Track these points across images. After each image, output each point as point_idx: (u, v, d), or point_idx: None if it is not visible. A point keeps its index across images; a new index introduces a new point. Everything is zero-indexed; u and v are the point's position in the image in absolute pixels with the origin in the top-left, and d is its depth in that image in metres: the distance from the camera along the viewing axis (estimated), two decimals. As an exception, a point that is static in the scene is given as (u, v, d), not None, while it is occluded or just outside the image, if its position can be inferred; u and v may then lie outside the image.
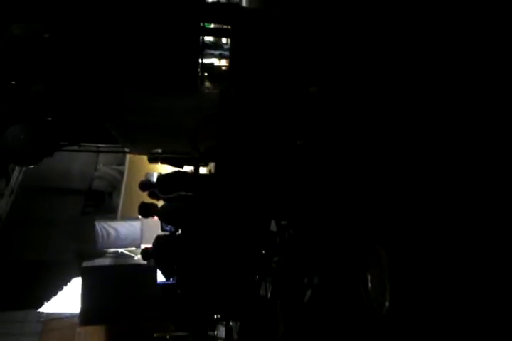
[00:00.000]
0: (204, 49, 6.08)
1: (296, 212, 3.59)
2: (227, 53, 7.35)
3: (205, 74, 5.59)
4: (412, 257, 2.24)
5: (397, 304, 2.26)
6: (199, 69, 5.35)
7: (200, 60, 5.21)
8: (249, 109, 3.13)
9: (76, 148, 5.82)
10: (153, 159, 7.21)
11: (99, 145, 6.19)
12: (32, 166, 5.00)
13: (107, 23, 4.21)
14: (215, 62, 7.38)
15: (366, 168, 2.68)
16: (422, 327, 2.24)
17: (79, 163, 9.62)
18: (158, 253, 5.85)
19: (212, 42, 7.97)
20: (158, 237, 5.90)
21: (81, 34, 4.13)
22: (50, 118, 3.94)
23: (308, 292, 3.51)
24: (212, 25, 5.50)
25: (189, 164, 6.36)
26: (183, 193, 6.16)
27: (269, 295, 4.32)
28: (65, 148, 5.62)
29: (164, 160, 6.95)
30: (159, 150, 5.98)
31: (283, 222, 3.94)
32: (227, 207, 4.18)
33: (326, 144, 2.99)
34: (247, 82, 3.78)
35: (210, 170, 6.22)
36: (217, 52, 7.45)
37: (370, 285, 2.47)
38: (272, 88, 3.43)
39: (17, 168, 9.08)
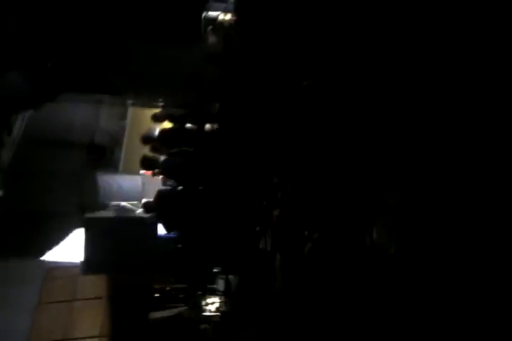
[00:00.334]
0: (209, 1, 5.90)
1: (299, 162, 3.57)
2: (231, 7, 7.14)
3: (210, 27, 5.45)
4: (420, 205, 2.23)
5: (403, 251, 2.27)
6: (203, 21, 5.20)
7: (204, 11, 5.07)
8: (254, 47, 3.04)
9: (78, 98, 5.75)
10: (157, 118, 7.13)
11: (102, 96, 6.11)
12: (33, 113, 4.93)
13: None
14: (220, 15, 7.19)
15: (375, 112, 2.64)
16: (428, 272, 2.26)
17: (81, 116, 9.53)
18: (160, 207, 5.90)
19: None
20: (159, 191, 5.94)
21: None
22: (49, 64, 3.85)
23: (308, 245, 3.54)
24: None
25: (192, 120, 6.29)
26: (186, 148, 6.15)
27: (268, 248, 4.38)
28: (67, 98, 5.56)
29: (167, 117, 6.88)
30: (161, 102, 5.92)
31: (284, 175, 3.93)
32: (229, 159, 4.16)
33: (333, 85, 2.92)
34: (254, 21, 3.68)
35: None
36: (222, 5, 7.25)
37: (375, 234, 2.47)
38: (278, 28, 3.33)
39: (19, 119, 9.01)
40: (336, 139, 2.99)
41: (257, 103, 3.34)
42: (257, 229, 4.55)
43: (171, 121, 6.70)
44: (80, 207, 8.87)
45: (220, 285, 5.81)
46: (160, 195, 5.79)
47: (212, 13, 6.07)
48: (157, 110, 6.63)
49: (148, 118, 7.28)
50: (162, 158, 6.40)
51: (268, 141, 3.48)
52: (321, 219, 3.38)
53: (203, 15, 5.17)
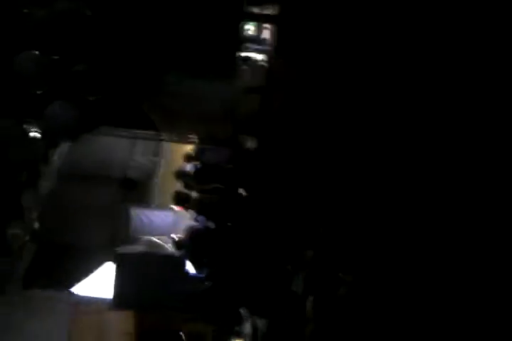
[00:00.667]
0: (244, 42, 6.01)
1: (335, 202, 3.49)
2: (267, 48, 7.25)
3: (244, 67, 5.52)
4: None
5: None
6: (238, 61, 5.28)
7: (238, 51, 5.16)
8: (299, 80, 3.01)
9: (113, 132, 5.85)
10: (189, 158, 7.15)
11: (137, 131, 6.21)
12: (71, 147, 4.99)
13: (148, 4, 4.21)
14: (255, 56, 7.31)
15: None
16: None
17: (116, 151, 9.72)
18: (191, 244, 5.85)
19: (253, 36, 7.89)
20: (191, 228, 5.89)
21: (124, 14, 4.14)
22: (91, 98, 3.95)
23: (343, 288, 3.40)
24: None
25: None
26: (219, 185, 6.13)
27: (300, 290, 4.23)
28: (103, 132, 5.67)
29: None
30: (195, 138, 5.97)
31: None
32: (262, 197, 4.11)
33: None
34: (297, 54, 3.67)
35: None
36: (257, 47, 7.38)
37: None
38: (321, 65, 3.31)
39: (56, 153, 9.23)
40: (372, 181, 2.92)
41: (296, 141, 3.29)
42: (289, 269, 4.42)
43: (201, 163, 6.72)
44: (112, 241, 8.91)
45: (247, 328, 5.61)
46: (191, 232, 5.74)
47: (246, 54, 6.17)
48: (191, 146, 6.68)
49: (182, 154, 7.34)
50: (195, 194, 6.39)
51: (306, 180, 3.42)
52: (357, 261, 3.26)
53: (237, 55, 5.26)
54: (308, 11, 3.60)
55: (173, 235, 7.97)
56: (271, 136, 3.25)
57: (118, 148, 9.65)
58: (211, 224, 5.80)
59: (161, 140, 7.16)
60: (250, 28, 7.37)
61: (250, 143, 4.62)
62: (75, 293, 8.59)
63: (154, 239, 8.72)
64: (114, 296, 7.60)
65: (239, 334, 5.92)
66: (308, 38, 3.55)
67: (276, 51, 4.88)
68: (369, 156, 2.98)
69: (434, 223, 2.45)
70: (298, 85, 2.95)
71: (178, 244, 5.98)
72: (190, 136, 6.12)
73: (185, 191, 6.60)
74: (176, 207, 7.97)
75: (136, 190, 10.21)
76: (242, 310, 5.42)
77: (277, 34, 4.89)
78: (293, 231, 4.27)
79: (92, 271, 8.94)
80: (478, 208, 2.10)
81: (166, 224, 8.57)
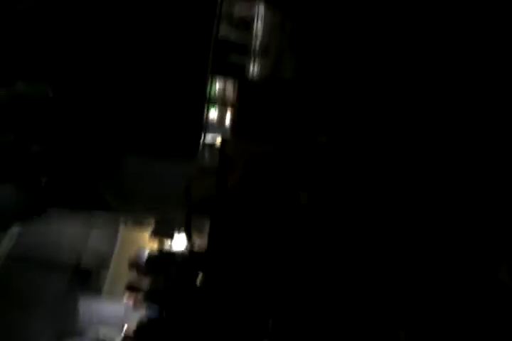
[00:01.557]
0: (207, 127, 6.18)
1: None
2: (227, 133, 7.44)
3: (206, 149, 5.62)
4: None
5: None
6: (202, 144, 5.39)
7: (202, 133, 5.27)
8: (254, 158, 3.02)
9: (68, 215, 5.69)
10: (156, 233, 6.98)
11: (93, 213, 6.06)
12: (22, 230, 4.80)
13: (109, 88, 4.30)
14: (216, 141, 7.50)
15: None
16: None
17: (70, 236, 9.37)
18: (140, 337, 5.50)
19: (215, 121, 8.15)
20: (140, 322, 5.59)
21: (85, 96, 4.20)
22: (44, 179, 3.86)
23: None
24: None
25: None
26: (172, 273, 5.93)
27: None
28: (57, 214, 5.49)
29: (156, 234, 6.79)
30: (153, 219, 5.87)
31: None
32: (220, 285, 3.93)
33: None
34: (251, 132, 3.73)
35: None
36: (219, 132, 7.58)
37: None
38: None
39: (7, 235, 8.84)
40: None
41: (254, 219, 3.24)
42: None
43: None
44: (58, 334, 8.28)
45: None
46: (141, 324, 5.41)
47: (208, 138, 6.30)
48: (148, 227, 6.57)
49: (138, 242, 7.17)
50: (147, 282, 6.14)
51: (261, 260, 3.32)
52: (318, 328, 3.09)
53: (200, 139, 5.36)
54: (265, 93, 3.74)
55: (125, 327, 7.49)
56: (226, 216, 3.20)
57: (72, 231, 9.31)
58: (164, 314, 5.49)
59: (117, 223, 6.98)
60: (213, 114, 7.62)
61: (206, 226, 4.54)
62: None
63: (103, 333, 8.18)
64: None
65: None
66: (265, 120, 3.65)
67: (233, 131, 5.01)
68: (330, 229, 2.94)
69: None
70: (252, 165, 2.96)
71: (126, 339, 5.58)
72: (147, 218, 6.01)
73: (138, 280, 6.33)
74: (128, 297, 7.58)
75: (89, 277, 9.72)
76: None
77: (235, 116, 5.06)
78: (249, 319, 4.06)
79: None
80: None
81: (117, 315, 8.08)
